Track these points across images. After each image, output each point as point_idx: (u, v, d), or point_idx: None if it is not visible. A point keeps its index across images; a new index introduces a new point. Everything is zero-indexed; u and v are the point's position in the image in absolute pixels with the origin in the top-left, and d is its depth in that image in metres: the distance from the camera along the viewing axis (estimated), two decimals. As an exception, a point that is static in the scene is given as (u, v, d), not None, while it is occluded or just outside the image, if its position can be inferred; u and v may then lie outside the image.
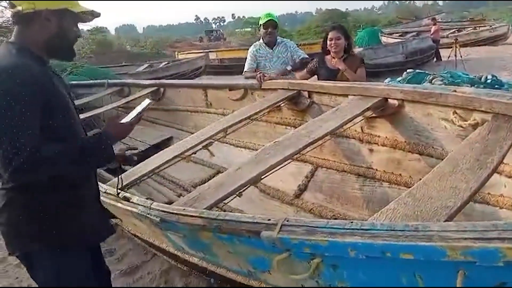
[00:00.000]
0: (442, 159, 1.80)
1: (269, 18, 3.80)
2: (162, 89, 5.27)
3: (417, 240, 1.10)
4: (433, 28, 15.36)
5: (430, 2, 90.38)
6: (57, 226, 1.47)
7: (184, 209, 1.85)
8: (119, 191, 1.94)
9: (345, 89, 2.85)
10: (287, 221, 1.42)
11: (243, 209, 3.09)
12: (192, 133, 3.32)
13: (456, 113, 2.20)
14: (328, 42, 3.24)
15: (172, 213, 1.85)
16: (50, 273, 1.49)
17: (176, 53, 21.61)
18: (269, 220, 1.48)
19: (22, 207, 1.44)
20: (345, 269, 1.34)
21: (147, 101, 1.71)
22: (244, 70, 3.98)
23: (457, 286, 1.07)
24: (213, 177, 3.99)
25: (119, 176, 1.83)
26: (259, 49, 3.93)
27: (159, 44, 31.03)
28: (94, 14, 1.55)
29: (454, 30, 19.47)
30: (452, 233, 1.06)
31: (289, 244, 1.37)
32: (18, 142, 1.25)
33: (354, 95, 2.76)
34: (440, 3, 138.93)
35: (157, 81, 5.67)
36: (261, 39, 3.99)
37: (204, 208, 1.91)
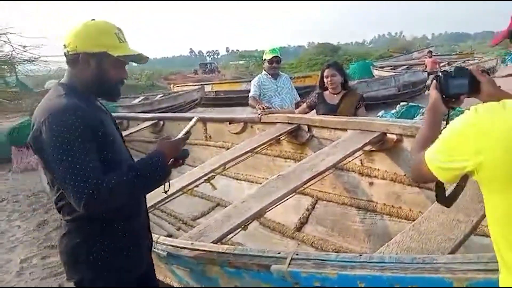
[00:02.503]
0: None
1: (275, 54, 4.07)
2: (161, 122, 5.36)
3: (424, 272, 1.15)
4: (429, 61, 15.82)
5: (419, 36, 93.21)
6: (109, 257, 1.52)
7: (192, 243, 1.88)
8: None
9: (344, 123, 2.94)
10: (297, 254, 1.46)
11: (245, 243, 3.10)
12: (192, 166, 3.38)
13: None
14: (325, 80, 3.36)
15: (180, 247, 1.89)
16: None
17: (171, 85, 21.93)
18: (279, 253, 1.52)
19: (80, 236, 1.50)
20: (354, 302, 1.37)
21: (194, 119, 1.79)
22: (250, 95, 4.11)
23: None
24: (213, 210, 4.03)
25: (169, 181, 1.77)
26: (264, 81, 4.12)
27: (154, 76, 31.49)
28: (138, 58, 1.59)
29: (444, 63, 20.05)
30: (457, 265, 1.11)
31: (299, 277, 1.41)
32: (84, 176, 1.31)
33: (353, 129, 2.85)
34: (429, 36, 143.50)
35: (156, 115, 5.77)
36: (263, 71, 4.21)
37: (211, 242, 1.95)
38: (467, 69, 1.27)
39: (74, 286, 1.56)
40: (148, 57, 1.64)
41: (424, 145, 1.04)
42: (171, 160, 1.57)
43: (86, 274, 1.52)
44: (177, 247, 1.88)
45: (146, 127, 5.33)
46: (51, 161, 1.37)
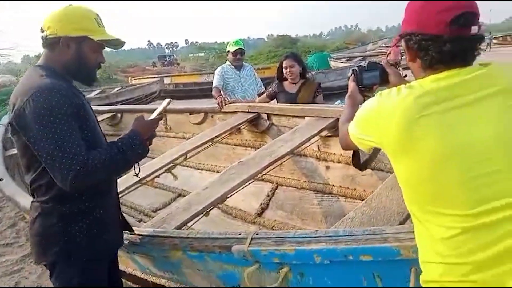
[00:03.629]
0: (391, 172, 1.99)
1: (239, 46, 4.09)
2: (119, 115, 5.24)
3: (375, 242, 1.23)
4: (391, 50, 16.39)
5: (373, 29, 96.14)
6: (85, 236, 1.54)
7: (153, 230, 1.89)
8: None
9: (302, 111, 3.03)
10: (257, 234, 1.51)
11: (207, 230, 3.13)
12: (152, 158, 3.34)
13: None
14: (284, 70, 3.43)
15: (141, 235, 1.89)
16: (71, 284, 1.56)
17: (129, 78, 21.31)
18: (240, 234, 1.57)
19: (54, 217, 1.51)
20: (311, 276, 1.44)
21: (166, 101, 1.83)
22: (213, 86, 4.10)
23: (411, 281, 1.21)
24: (174, 200, 4.00)
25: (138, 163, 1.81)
26: (227, 71, 4.12)
27: (110, 69, 30.47)
28: (116, 43, 1.62)
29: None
30: (404, 234, 1.21)
31: (259, 255, 1.46)
32: (71, 153, 1.36)
33: (310, 116, 2.94)
34: (383, 29, 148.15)
35: (114, 107, 5.63)
36: (227, 62, 4.21)
37: (173, 229, 1.96)
38: (379, 63, 1.47)
39: (46, 268, 1.60)
40: (124, 42, 1.66)
41: (348, 120, 1.22)
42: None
43: (59, 255, 1.53)
44: (139, 235, 1.88)
45: (104, 119, 5.20)
46: (36, 139, 1.39)
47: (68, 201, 1.51)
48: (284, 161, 3.03)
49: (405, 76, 1.47)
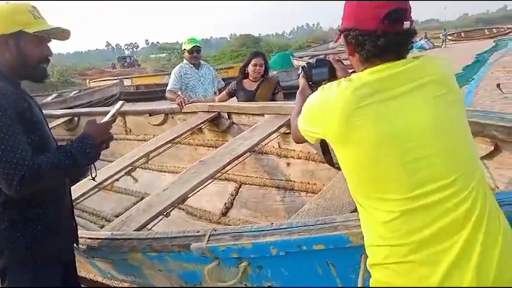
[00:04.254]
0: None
1: (194, 44, 4.05)
2: (76, 118, 5.09)
3: (325, 231, 1.28)
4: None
5: (335, 27, 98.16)
6: (36, 241, 1.51)
7: (111, 233, 1.87)
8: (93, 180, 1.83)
9: (262, 108, 3.07)
10: (215, 230, 1.54)
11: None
12: (111, 162, 3.28)
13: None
14: (251, 68, 3.41)
15: (99, 238, 1.86)
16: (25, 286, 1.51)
17: (87, 81, 20.69)
18: (198, 232, 1.58)
19: (4, 223, 1.47)
20: (269, 268, 1.48)
21: (120, 103, 1.81)
22: (168, 89, 4.05)
23: (361, 268, 1.27)
24: (136, 204, 3.95)
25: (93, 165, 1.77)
26: (186, 71, 4.07)
27: (67, 72, 29.44)
28: (61, 32, 1.56)
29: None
30: (352, 222, 1.26)
31: (217, 251, 1.48)
32: (15, 158, 1.33)
33: (270, 114, 2.99)
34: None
35: (71, 111, 5.46)
36: (184, 61, 4.16)
37: (133, 231, 1.95)
38: (327, 59, 1.52)
39: None
40: (69, 31, 1.61)
41: (298, 115, 1.25)
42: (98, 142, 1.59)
43: (9, 261, 1.50)
44: (96, 239, 1.85)
45: (60, 124, 5.04)
46: None
47: (18, 207, 1.48)
48: (246, 160, 3.06)
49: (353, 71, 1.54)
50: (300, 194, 2.90)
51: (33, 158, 1.38)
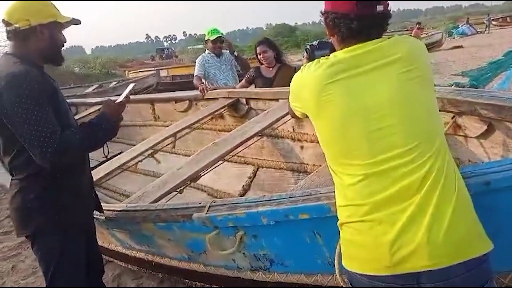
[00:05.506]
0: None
1: (218, 35, 4.23)
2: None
3: (309, 201, 1.37)
4: (416, 31, 17.66)
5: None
6: (60, 210, 1.69)
7: (126, 206, 2.04)
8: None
9: (276, 94, 3.16)
10: (214, 202, 1.66)
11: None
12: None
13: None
14: (258, 56, 3.58)
15: (116, 210, 2.04)
16: (52, 252, 1.70)
17: (126, 72, 21.39)
18: (200, 203, 1.71)
19: (33, 192, 1.65)
20: (263, 237, 1.59)
21: (131, 85, 1.97)
22: (195, 75, 4.27)
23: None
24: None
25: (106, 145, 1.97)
26: (208, 60, 4.26)
27: (109, 64, 30.50)
28: (75, 22, 1.79)
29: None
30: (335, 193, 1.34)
31: (216, 221, 1.61)
32: (48, 131, 1.51)
33: (284, 98, 3.06)
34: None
35: (104, 99, 5.74)
36: (206, 51, 4.36)
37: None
38: (329, 41, 1.59)
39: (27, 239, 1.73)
40: (80, 20, 1.82)
41: None
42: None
43: (40, 226, 1.68)
44: (113, 210, 2.03)
45: (94, 111, 5.33)
46: (15, 121, 1.53)
47: (45, 178, 1.65)
48: (263, 144, 3.16)
49: None
50: (309, 175, 2.97)
51: (62, 133, 1.56)
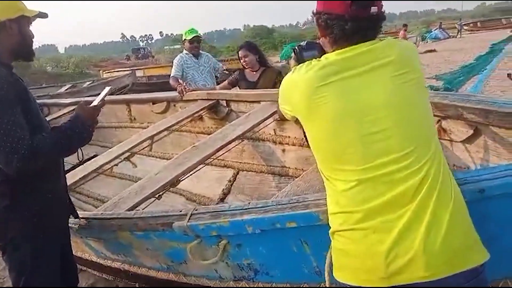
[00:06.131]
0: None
1: (195, 35, 4.14)
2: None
3: (297, 209, 1.31)
4: (402, 33, 18.13)
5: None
6: (34, 216, 1.60)
7: (101, 213, 1.93)
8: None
9: (258, 96, 3.09)
10: (196, 210, 1.58)
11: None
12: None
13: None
14: (240, 60, 3.51)
15: (90, 218, 1.93)
16: (25, 261, 1.60)
17: (101, 72, 20.91)
18: (180, 211, 1.63)
19: (6, 200, 1.56)
20: (247, 246, 1.52)
21: (107, 88, 1.88)
22: (172, 75, 4.15)
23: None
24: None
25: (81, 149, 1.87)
26: (186, 60, 4.16)
27: (82, 64, 29.82)
28: (42, 15, 1.70)
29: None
30: (323, 200, 1.28)
31: (197, 230, 1.53)
32: (15, 137, 1.40)
33: (266, 100, 3.01)
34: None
35: (78, 99, 5.55)
36: (184, 51, 4.25)
37: (122, 211, 2.00)
38: (317, 42, 1.56)
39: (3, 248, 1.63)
40: (47, 14, 1.73)
41: None
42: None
43: (16, 233, 1.59)
44: (88, 218, 1.91)
45: (68, 112, 5.13)
46: None
47: (18, 184, 1.55)
48: (244, 147, 3.09)
49: None
50: (294, 180, 2.92)
51: (32, 138, 1.45)
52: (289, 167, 2.98)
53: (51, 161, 1.63)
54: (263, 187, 3.14)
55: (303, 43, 1.65)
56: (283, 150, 3.03)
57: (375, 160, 1.01)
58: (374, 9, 1.08)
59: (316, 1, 1.20)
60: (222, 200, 3.30)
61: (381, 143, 1.01)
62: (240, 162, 3.37)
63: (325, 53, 1.57)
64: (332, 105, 1.04)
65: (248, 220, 1.40)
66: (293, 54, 1.64)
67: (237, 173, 3.40)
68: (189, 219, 1.55)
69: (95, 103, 1.75)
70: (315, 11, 1.18)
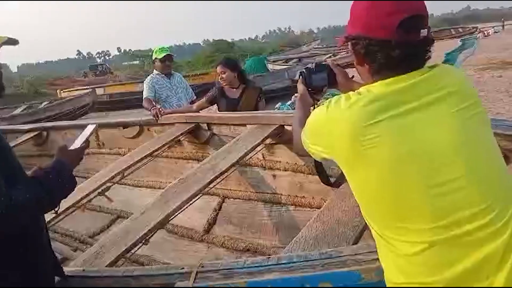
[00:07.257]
0: (339, 178, 1.90)
1: (166, 53, 3.93)
2: (45, 133, 4.78)
3: (332, 267, 1.11)
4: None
5: (306, 30, 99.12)
6: (22, 279, 1.32)
7: (83, 270, 1.65)
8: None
9: (243, 119, 2.89)
10: (202, 267, 1.34)
11: (152, 254, 2.89)
12: (85, 178, 3.03)
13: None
14: (218, 77, 3.35)
15: (69, 276, 1.63)
16: None
17: (58, 91, 20.00)
18: (182, 268, 1.38)
19: None
20: (269, 311, 1.30)
21: (92, 126, 1.65)
22: (144, 97, 3.88)
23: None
24: (113, 223, 3.69)
25: None
26: (158, 80, 3.93)
27: (37, 83, 28.53)
28: (11, 42, 1.40)
29: (330, 54, 21.45)
30: (363, 256, 1.10)
31: (207, 292, 1.29)
32: None
33: (252, 124, 2.81)
34: (315, 30, 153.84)
35: (38, 125, 5.13)
36: (154, 71, 4.02)
37: (108, 264, 1.73)
38: (325, 63, 1.40)
39: None
40: (17, 40, 1.42)
41: (301, 125, 1.14)
42: None
43: None
44: (67, 276, 1.62)
45: (28, 139, 4.70)
46: None
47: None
48: (230, 174, 2.87)
49: (353, 76, 1.41)
50: (288, 208, 2.73)
51: (9, 193, 1.17)
52: (281, 194, 2.78)
53: (31, 218, 1.33)
54: (253, 216, 2.92)
55: (311, 65, 1.48)
56: (274, 176, 2.84)
57: (447, 217, 0.83)
58: (424, 32, 0.92)
59: (347, 24, 1.03)
60: (207, 231, 3.05)
61: (454, 196, 0.84)
62: (226, 189, 3.13)
63: (334, 76, 1.40)
64: (384, 149, 0.85)
65: (270, 281, 1.18)
66: (300, 78, 1.47)
67: (223, 201, 3.16)
68: (194, 279, 1.31)
69: (77, 144, 1.50)
70: (348, 34, 1.00)
